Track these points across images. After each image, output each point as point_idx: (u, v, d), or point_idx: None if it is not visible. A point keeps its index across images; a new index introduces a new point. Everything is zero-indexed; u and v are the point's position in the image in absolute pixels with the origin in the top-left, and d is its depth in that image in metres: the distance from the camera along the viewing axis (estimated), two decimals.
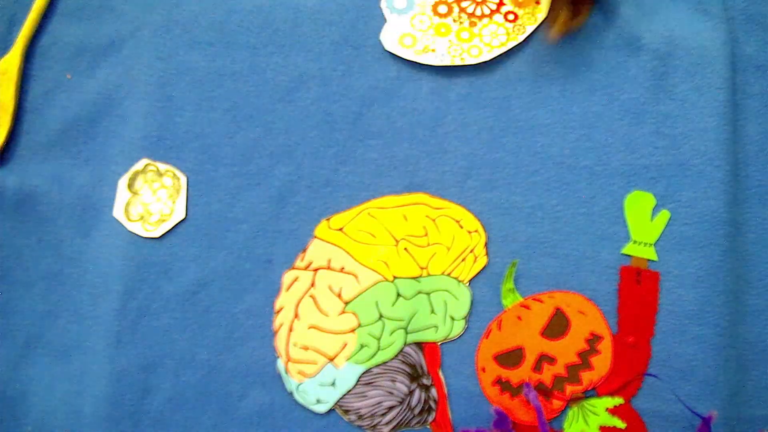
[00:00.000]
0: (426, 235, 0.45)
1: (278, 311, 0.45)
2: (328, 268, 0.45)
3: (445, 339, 0.44)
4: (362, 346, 0.44)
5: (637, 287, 0.44)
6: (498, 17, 0.47)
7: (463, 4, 0.47)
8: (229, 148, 0.46)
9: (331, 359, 0.44)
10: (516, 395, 0.44)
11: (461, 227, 0.45)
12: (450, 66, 0.46)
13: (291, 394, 0.44)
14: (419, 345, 0.44)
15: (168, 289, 0.45)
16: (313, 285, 0.45)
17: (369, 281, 0.44)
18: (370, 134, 0.46)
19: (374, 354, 0.44)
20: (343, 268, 0.45)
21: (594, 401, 0.44)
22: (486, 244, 0.45)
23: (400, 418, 0.44)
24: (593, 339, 0.44)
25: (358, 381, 0.44)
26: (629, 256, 0.44)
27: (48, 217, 0.47)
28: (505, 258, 0.45)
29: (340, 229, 0.45)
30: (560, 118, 0.46)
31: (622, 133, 0.45)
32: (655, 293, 0.44)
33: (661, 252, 0.44)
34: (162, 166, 0.46)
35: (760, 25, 0.47)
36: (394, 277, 0.44)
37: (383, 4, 0.47)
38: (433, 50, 0.46)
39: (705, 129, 0.45)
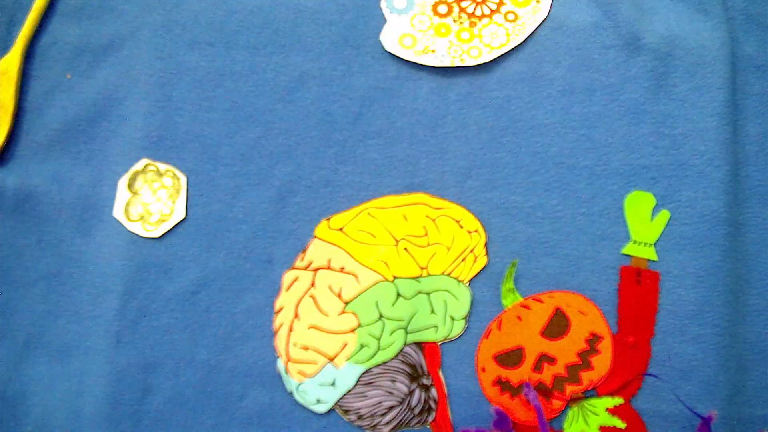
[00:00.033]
0: (426, 235, 0.45)
1: (278, 311, 0.45)
2: (328, 268, 0.45)
3: (445, 339, 0.44)
4: (362, 346, 0.44)
5: (637, 287, 0.44)
6: (498, 17, 0.47)
7: (463, 4, 0.47)
8: (229, 148, 0.46)
9: (331, 359, 0.44)
10: (516, 395, 0.44)
11: (461, 227, 0.45)
12: (450, 66, 0.46)
13: (291, 394, 0.44)
14: (419, 345, 0.44)
15: (168, 289, 0.45)
16: (313, 285, 0.45)
17: (369, 281, 0.44)
18: (370, 134, 0.46)
19: (374, 354, 0.44)
20: (343, 268, 0.45)
21: (594, 401, 0.44)
22: (486, 244, 0.45)
23: (400, 418, 0.44)
24: (593, 339, 0.44)
25: (358, 381, 0.44)
26: (629, 256, 0.44)
27: (48, 217, 0.47)
28: (505, 258, 0.45)
29: (340, 229, 0.45)
30: (560, 118, 0.46)
31: (622, 133, 0.45)
32: (655, 293, 0.44)
33: (661, 252, 0.44)
34: (162, 166, 0.46)
35: (760, 25, 0.47)
36: (394, 277, 0.44)
37: (383, 4, 0.47)
38: (433, 51, 0.46)
39: (705, 129, 0.45)
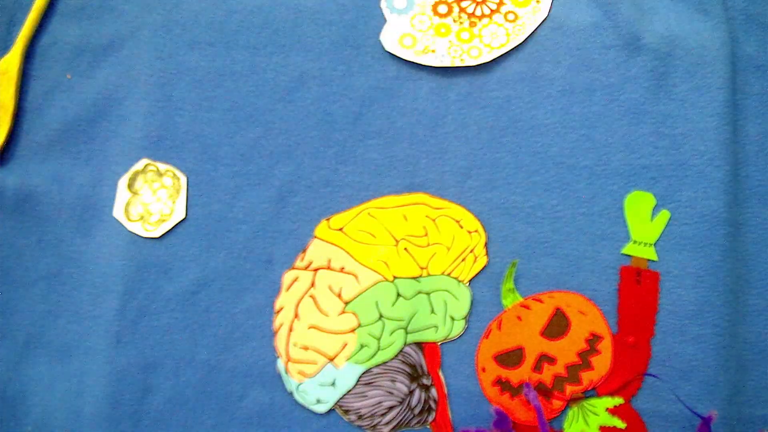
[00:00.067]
0: (426, 235, 0.45)
1: (278, 311, 0.45)
2: (328, 268, 0.45)
3: (445, 339, 0.44)
4: (362, 346, 0.44)
5: (637, 287, 0.44)
6: (498, 17, 0.47)
7: (463, 4, 0.47)
8: (229, 148, 0.46)
9: (331, 359, 0.44)
10: (516, 395, 0.44)
11: (461, 227, 0.45)
12: (450, 66, 0.46)
13: (291, 394, 0.44)
14: (419, 345, 0.44)
15: (168, 289, 0.45)
16: (313, 285, 0.45)
17: (369, 281, 0.44)
18: (370, 134, 0.46)
19: (374, 354, 0.44)
20: (343, 268, 0.45)
21: (594, 401, 0.44)
22: (486, 244, 0.45)
23: (400, 418, 0.44)
24: (593, 339, 0.44)
25: (358, 381, 0.44)
26: (629, 256, 0.44)
27: (48, 217, 0.47)
28: (505, 258, 0.45)
29: (340, 229, 0.45)
30: (560, 118, 0.46)
31: (622, 133, 0.45)
32: (655, 293, 0.44)
33: (661, 252, 0.44)
34: (162, 166, 0.46)
35: (760, 25, 0.47)
36: (394, 277, 0.44)
37: (383, 4, 0.47)
38: (433, 51, 0.46)
39: (705, 129, 0.45)
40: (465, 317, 0.44)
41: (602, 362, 0.44)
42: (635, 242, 0.44)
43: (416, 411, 0.44)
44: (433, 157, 0.46)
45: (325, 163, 0.46)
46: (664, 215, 0.45)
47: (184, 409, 0.44)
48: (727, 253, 0.44)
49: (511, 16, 0.47)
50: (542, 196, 0.45)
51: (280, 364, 0.45)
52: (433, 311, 0.44)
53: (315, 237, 0.46)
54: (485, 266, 0.45)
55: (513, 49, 0.46)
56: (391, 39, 0.46)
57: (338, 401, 0.44)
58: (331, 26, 0.47)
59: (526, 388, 0.43)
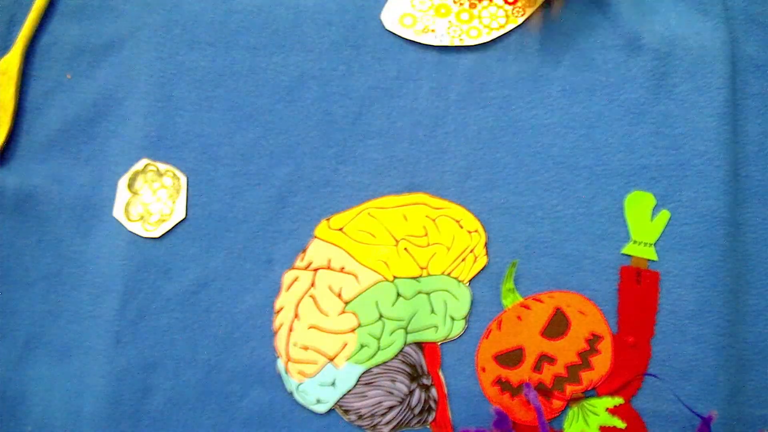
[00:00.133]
0: (426, 235, 0.45)
1: (278, 311, 0.45)
2: (328, 268, 0.45)
3: (445, 339, 0.44)
4: (362, 346, 0.44)
5: (637, 287, 0.44)
6: None
7: None
8: (229, 148, 0.46)
9: (331, 359, 0.44)
10: (516, 395, 0.44)
11: (461, 227, 0.45)
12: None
13: (291, 394, 0.44)
14: (419, 345, 0.44)
15: (168, 289, 0.45)
16: (313, 285, 0.45)
17: (369, 281, 0.44)
18: (370, 134, 0.46)
19: (374, 354, 0.44)
20: (343, 268, 0.45)
21: (594, 401, 0.44)
22: (486, 244, 0.45)
23: (400, 418, 0.44)
24: (593, 339, 0.44)
25: (358, 381, 0.44)
26: (629, 256, 0.44)
27: (48, 217, 0.47)
28: (505, 258, 0.45)
29: (340, 229, 0.45)
30: (560, 118, 0.46)
31: (622, 133, 0.45)
32: (655, 293, 0.44)
33: (661, 252, 0.44)
34: (162, 166, 0.46)
35: (760, 25, 0.47)
36: (394, 277, 0.44)
37: None
38: (432, 30, 0.46)
39: (705, 129, 0.45)
40: (465, 317, 0.44)
41: (602, 362, 0.44)
42: (635, 242, 0.44)
43: (416, 411, 0.44)
44: (433, 157, 0.46)
45: (325, 163, 0.46)
46: (664, 215, 0.45)
47: (184, 409, 0.44)
48: (727, 253, 0.44)
49: None
50: (542, 196, 0.45)
51: (280, 364, 0.45)
52: (433, 311, 0.44)
53: (315, 237, 0.46)
54: (485, 266, 0.45)
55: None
56: (392, 18, 0.46)
57: (338, 401, 0.44)
58: (331, 26, 0.47)
59: (526, 388, 0.43)
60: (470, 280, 0.45)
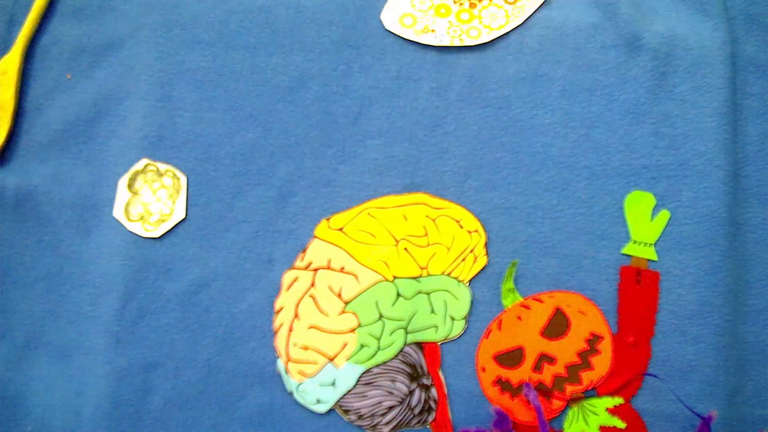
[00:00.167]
0: (426, 235, 0.45)
1: (278, 311, 0.45)
2: (328, 268, 0.45)
3: (445, 339, 0.44)
4: (362, 346, 0.44)
5: (637, 287, 0.44)
6: None
7: None
8: (229, 148, 0.46)
9: (331, 359, 0.44)
10: (516, 395, 0.44)
11: (461, 227, 0.45)
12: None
13: (291, 394, 0.44)
14: (419, 345, 0.44)
15: (168, 289, 0.45)
16: (313, 285, 0.45)
17: (369, 281, 0.44)
18: (370, 134, 0.46)
19: (374, 354, 0.44)
20: (343, 268, 0.45)
21: (594, 401, 0.44)
22: (486, 244, 0.45)
23: (400, 418, 0.44)
24: (593, 339, 0.44)
25: (358, 381, 0.44)
26: (629, 256, 0.44)
27: (48, 217, 0.47)
28: (505, 258, 0.45)
29: (340, 229, 0.45)
30: (560, 118, 0.46)
31: (622, 133, 0.45)
32: (655, 293, 0.44)
33: (661, 252, 0.44)
34: (162, 166, 0.46)
35: (760, 25, 0.47)
36: (394, 277, 0.44)
37: None
38: (432, 31, 0.46)
39: (705, 129, 0.45)
40: (465, 317, 0.44)
41: (602, 362, 0.44)
42: (635, 242, 0.44)
43: (416, 411, 0.44)
44: (433, 157, 0.46)
45: (325, 163, 0.46)
46: (664, 215, 0.45)
47: (184, 410, 0.44)
48: (727, 253, 0.44)
49: None
50: (542, 196, 0.45)
51: (280, 364, 0.45)
52: (433, 311, 0.44)
53: (315, 237, 0.46)
54: (485, 266, 0.45)
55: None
56: (392, 18, 0.46)
57: (338, 401, 0.44)
58: (331, 26, 0.47)
59: (526, 388, 0.43)
60: (470, 280, 0.45)
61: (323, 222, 0.46)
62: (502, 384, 0.44)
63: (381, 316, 0.44)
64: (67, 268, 0.46)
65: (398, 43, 0.47)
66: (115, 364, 0.45)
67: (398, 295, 0.44)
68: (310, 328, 0.44)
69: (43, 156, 0.48)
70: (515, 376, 0.44)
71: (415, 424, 0.44)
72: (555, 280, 0.44)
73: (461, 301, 0.44)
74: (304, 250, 0.45)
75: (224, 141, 0.47)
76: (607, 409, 0.43)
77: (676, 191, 0.45)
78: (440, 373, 0.44)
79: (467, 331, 0.44)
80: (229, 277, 0.45)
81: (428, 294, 0.44)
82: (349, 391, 0.44)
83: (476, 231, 0.45)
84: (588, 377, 0.43)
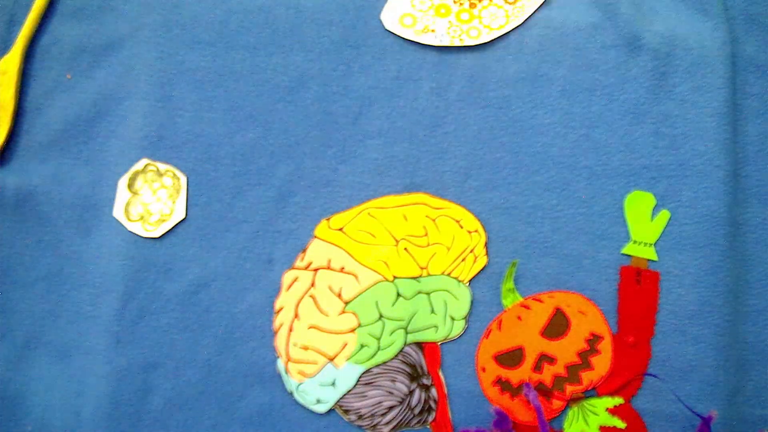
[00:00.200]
0: (426, 235, 0.45)
1: (278, 311, 0.45)
2: (328, 268, 0.45)
3: (445, 339, 0.44)
4: (362, 346, 0.44)
5: (637, 287, 0.44)
6: None
7: None
8: (229, 148, 0.46)
9: (331, 359, 0.44)
10: (516, 395, 0.44)
11: (461, 227, 0.45)
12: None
13: (291, 394, 0.44)
14: (419, 345, 0.44)
15: (168, 289, 0.45)
16: (313, 285, 0.45)
17: (369, 281, 0.44)
18: (370, 134, 0.46)
19: (374, 354, 0.44)
20: (343, 268, 0.45)
21: (594, 401, 0.44)
22: (486, 244, 0.45)
23: (400, 418, 0.44)
24: (593, 339, 0.44)
25: (358, 381, 0.44)
26: (629, 256, 0.44)
27: (48, 217, 0.47)
28: (505, 258, 0.45)
29: (340, 229, 0.45)
30: (560, 118, 0.46)
31: (622, 133, 0.45)
32: (655, 293, 0.44)
33: (661, 252, 0.44)
34: (162, 166, 0.46)
35: (760, 25, 0.47)
36: (394, 277, 0.44)
37: None
38: (432, 31, 0.46)
39: (705, 129, 0.45)
40: (465, 317, 0.44)
41: (602, 362, 0.44)
42: (635, 242, 0.44)
43: (416, 411, 0.44)
44: (433, 157, 0.46)
45: (325, 163, 0.46)
46: (664, 215, 0.45)
47: (184, 410, 0.44)
48: (727, 253, 0.44)
49: None
50: (542, 196, 0.45)
51: (280, 364, 0.45)
52: (433, 311, 0.44)
53: (315, 237, 0.46)
54: (485, 266, 0.45)
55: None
56: (392, 18, 0.46)
57: (338, 401, 0.44)
58: (331, 26, 0.47)
59: (526, 388, 0.43)
60: (470, 280, 0.45)
61: (323, 222, 0.46)
62: (502, 384, 0.44)
63: (381, 316, 0.44)
64: (67, 268, 0.46)
65: (398, 43, 0.47)
66: (115, 364, 0.45)
67: (398, 295, 0.44)
68: (310, 328, 0.44)
69: (43, 156, 0.48)
70: (515, 376, 0.44)
71: (415, 424, 0.44)
72: (555, 280, 0.44)
73: (461, 301, 0.44)
74: (304, 250, 0.45)
75: (224, 141, 0.47)
76: (607, 409, 0.43)
77: (676, 191, 0.45)
78: (440, 373, 0.44)
79: (467, 331, 0.44)
80: (229, 277, 0.45)
81: (428, 294, 0.44)
82: (349, 391, 0.44)
83: (476, 231, 0.45)
84: (588, 377, 0.43)
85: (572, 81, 0.46)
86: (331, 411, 0.44)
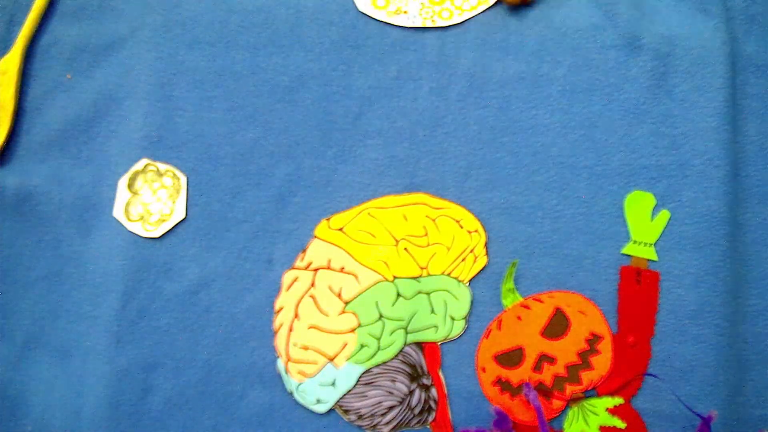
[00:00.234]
0: (426, 235, 0.45)
1: (278, 311, 0.45)
2: (328, 268, 0.45)
3: (445, 339, 0.44)
4: (362, 346, 0.44)
5: (637, 287, 0.44)
6: None
7: None
8: (229, 148, 0.46)
9: (331, 359, 0.44)
10: (516, 395, 0.44)
11: (461, 227, 0.45)
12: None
13: (291, 394, 0.44)
14: (419, 345, 0.44)
15: (168, 289, 0.45)
16: (313, 285, 0.45)
17: (369, 281, 0.44)
18: (370, 134, 0.46)
19: (374, 354, 0.44)
20: (343, 268, 0.45)
21: (594, 401, 0.44)
22: (486, 244, 0.45)
23: (400, 418, 0.44)
24: (593, 339, 0.44)
25: (358, 381, 0.44)
26: (629, 256, 0.44)
27: (48, 217, 0.47)
28: (505, 258, 0.45)
29: (340, 229, 0.45)
30: (560, 118, 0.46)
31: (622, 133, 0.45)
32: (655, 293, 0.44)
33: (661, 252, 0.44)
34: (162, 166, 0.46)
35: (760, 25, 0.47)
36: (394, 277, 0.44)
37: None
38: (405, 12, 0.46)
39: (705, 129, 0.45)
40: (465, 317, 0.44)
41: (602, 362, 0.44)
42: (635, 242, 0.44)
43: (416, 411, 0.44)
44: (433, 157, 0.46)
45: (325, 163, 0.46)
46: (664, 215, 0.45)
47: (184, 409, 0.44)
48: (727, 253, 0.44)
49: None
50: (542, 196, 0.45)
51: (280, 364, 0.45)
52: (433, 311, 0.44)
53: (315, 237, 0.46)
54: (485, 266, 0.45)
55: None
56: (364, 0, 0.47)
57: (338, 401, 0.44)
58: (331, 26, 0.47)
59: (526, 388, 0.43)
60: (470, 280, 0.45)
61: (323, 222, 0.46)
62: (502, 384, 0.44)
63: (381, 316, 0.44)
64: (67, 268, 0.46)
65: (398, 43, 0.47)
66: (115, 364, 0.45)
67: (398, 295, 0.44)
68: (310, 328, 0.44)
69: (43, 156, 0.48)
70: (515, 376, 0.44)
71: (415, 424, 0.44)
72: (555, 280, 0.44)
73: (461, 301, 0.44)
74: (304, 250, 0.45)
75: (224, 141, 0.47)
76: (607, 409, 0.43)
77: (676, 191, 0.45)
78: (440, 373, 0.44)
79: (467, 331, 0.44)
80: (229, 277, 0.45)
81: (428, 294, 0.44)
82: (349, 391, 0.44)
83: (476, 231, 0.45)
84: (588, 377, 0.43)
85: (572, 81, 0.46)
86: (331, 411, 0.44)
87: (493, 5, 0.47)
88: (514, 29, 0.47)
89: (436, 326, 0.44)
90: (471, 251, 0.45)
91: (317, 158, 0.46)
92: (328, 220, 0.46)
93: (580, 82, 0.46)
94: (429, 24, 0.46)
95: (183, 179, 0.46)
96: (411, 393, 0.44)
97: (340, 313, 0.44)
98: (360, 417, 0.44)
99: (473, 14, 0.46)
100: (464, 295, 0.45)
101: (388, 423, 0.44)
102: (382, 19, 0.46)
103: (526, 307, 0.44)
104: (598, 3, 0.47)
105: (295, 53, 0.47)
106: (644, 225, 0.45)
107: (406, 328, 0.44)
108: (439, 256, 0.45)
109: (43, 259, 0.47)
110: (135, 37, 0.48)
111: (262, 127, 0.47)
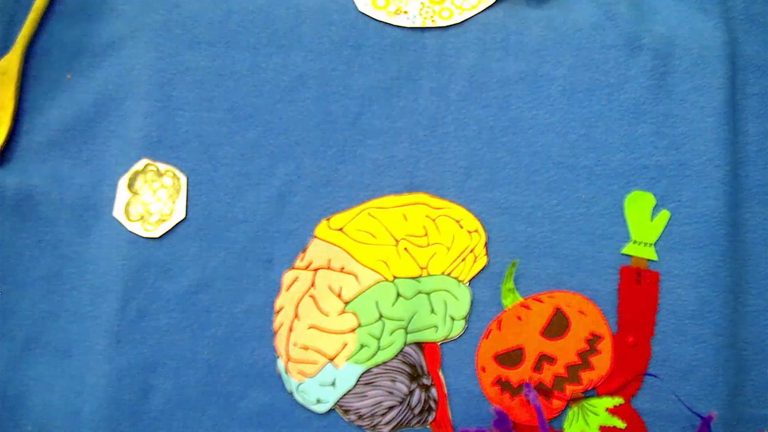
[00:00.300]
0: (426, 235, 0.45)
1: (278, 311, 0.45)
2: (328, 268, 0.45)
3: (445, 339, 0.44)
4: (362, 346, 0.44)
5: (637, 287, 0.44)
6: None
7: None
8: (229, 148, 0.46)
9: (331, 359, 0.44)
10: (516, 395, 0.44)
11: (461, 227, 0.45)
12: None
13: (291, 394, 0.44)
14: (419, 345, 0.44)
15: (168, 289, 0.45)
16: (313, 285, 0.45)
17: (369, 281, 0.44)
18: (370, 134, 0.46)
19: (374, 354, 0.44)
20: (343, 268, 0.45)
21: (594, 401, 0.44)
22: (486, 244, 0.45)
23: (400, 418, 0.44)
24: (593, 339, 0.44)
25: (358, 381, 0.44)
26: (629, 256, 0.44)
27: (48, 217, 0.47)
28: (505, 258, 0.45)
29: (340, 229, 0.45)
30: (560, 118, 0.46)
31: (622, 133, 0.45)
32: (655, 293, 0.44)
33: (661, 252, 0.44)
34: (162, 166, 0.46)
35: (760, 25, 0.47)
36: (394, 277, 0.44)
37: None
38: (405, 12, 0.46)
39: (705, 129, 0.45)
40: (465, 317, 0.44)
41: (602, 362, 0.44)
42: (635, 242, 0.44)
43: (416, 411, 0.44)
44: (433, 157, 0.46)
45: (325, 163, 0.46)
46: (664, 215, 0.45)
47: (184, 409, 0.44)
48: (727, 253, 0.44)
49: None
50: (542, 196, 0.45)
51: (280, 364, 0.45)
52: (433, 311, 0.44)
53: (315, 237, 0.46)
54: (485, 266, 0.45)
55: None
56: (364, 0, 0.46)
57: (338, 401, 0.44)
58: (331, 26, 0.47)
59: (526, 388, 0.43)
60: (470, 280, 0.45)
61: (323, 222, 0.46)
62: (502, 384, 0.44)
63: (381, 316, 0.44)
64: (67, 268, 0.46)
65: (398, 43, 0.47)
66: (115, 364, 0.45)
67: (398, 295, 0.44)
68: (310, 328, 0.44)
69: (43, 156, 0.48)
70: (515, 376, 0.44)
71: (415, 424, 0.44)
72: (555, 280, 0.44)
73: (461, 301, 0.44)
74: (304, 250, 0.45)
75: (224, 141, 0.47)
76: (607, 409, 0.43)
77: (676, 191, 0.45)
78: (440, 373, 0.44)
79: (467, 331, 0.44)
80: (229, 277, 0.45)
81: (428, 294, 0.44)
82: (349, 391, 0.44)
83: (476, 231, 0.45)
84: (588, 377, 0.43)
85: (572, 81, 0.46)
86: (331, 411, 0.44)
87: (492, 5, 0.47)
88: (514, 29, 0.47)
89: (436, 326, 0.44)
90: (471, 251, 0.45)
91: (317, 158, 0.46)
92: (328, 220, 0.46)
93: (580, 81, 0.46)
94: (429, 24, 0.46)
95: (183, 179, 0.46)
96: (411, 393, 0.44)
97: (340, 313, 0.44)
98: (360, 417, 0.44)
99: (474, 13, 0.46)
100: (464, 295, 0.45)
101: (388, 423, 0.44)
102: (382, 19, 0.46)
103: (526, 307, 0.44)
104: (598, 3, 0.47)
105: (295, 53, 0.47)
106: (644, 225, 0.45)
107: (406, 328, 0.44)
108: (439, 256, 0.45)
109: (43, 259, 0.47)
110: (135, 37, 0.48)
111: (262, 127, 0.47)
